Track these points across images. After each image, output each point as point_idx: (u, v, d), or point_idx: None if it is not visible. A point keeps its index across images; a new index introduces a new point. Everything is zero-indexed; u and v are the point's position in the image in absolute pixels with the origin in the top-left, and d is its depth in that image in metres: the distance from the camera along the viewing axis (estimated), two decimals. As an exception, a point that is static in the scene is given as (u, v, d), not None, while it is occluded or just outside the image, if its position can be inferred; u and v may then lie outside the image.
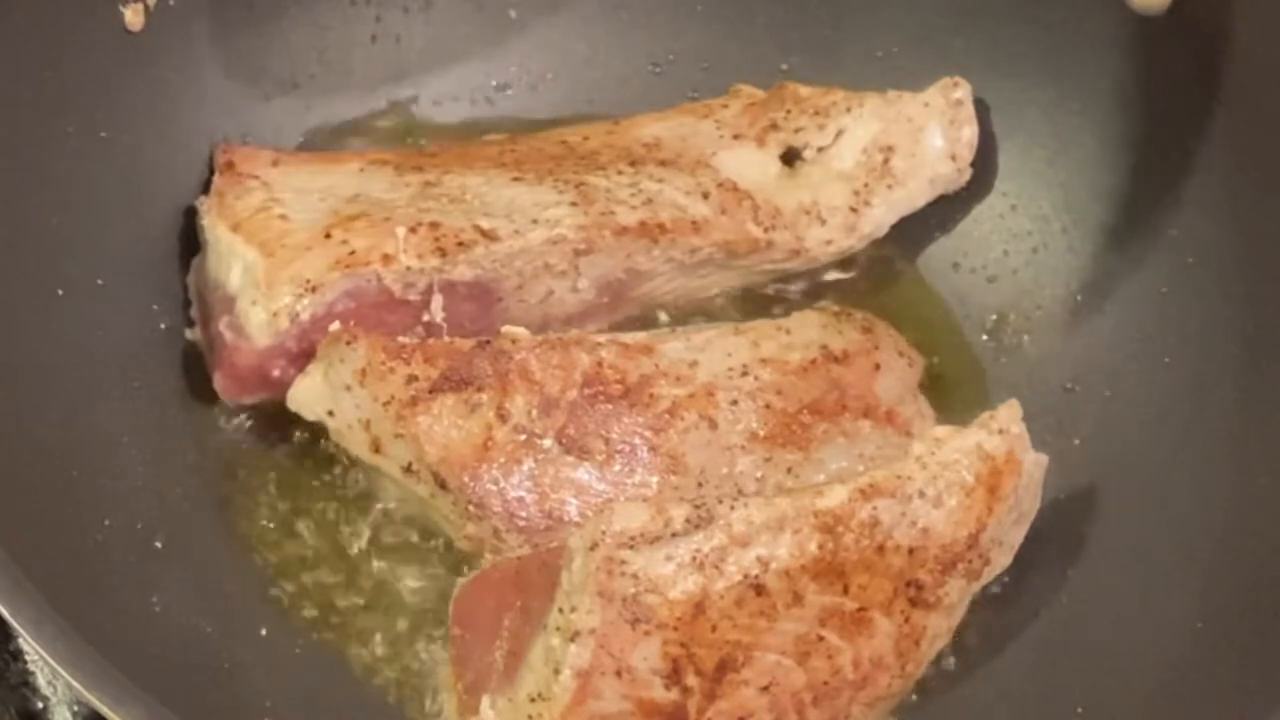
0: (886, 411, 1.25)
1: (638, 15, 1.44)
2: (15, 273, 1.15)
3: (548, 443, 1.18)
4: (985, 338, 1.36)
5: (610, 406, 1.19)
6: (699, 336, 1.24)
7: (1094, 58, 1.32)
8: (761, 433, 1.21)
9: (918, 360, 1.31)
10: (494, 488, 1.16)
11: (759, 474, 1.20)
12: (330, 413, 1.19)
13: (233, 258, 1.20)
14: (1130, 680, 1.14)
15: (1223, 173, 1.26)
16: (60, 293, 1.18)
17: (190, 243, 1.28)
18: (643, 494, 1.18)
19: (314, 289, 1.19)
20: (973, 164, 1.36)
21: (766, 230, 1.30)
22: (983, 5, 1.36)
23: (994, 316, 1.36)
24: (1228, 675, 1.10)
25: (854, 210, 1.33)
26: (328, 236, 1.20)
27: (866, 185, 1.33)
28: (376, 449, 1.19)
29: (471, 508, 1.17)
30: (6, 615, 0.99)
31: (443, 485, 1.17)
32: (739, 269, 1.33)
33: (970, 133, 1.35)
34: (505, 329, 1.22)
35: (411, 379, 1.17)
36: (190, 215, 1.28)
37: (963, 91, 1.35)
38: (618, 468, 1.18)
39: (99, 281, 1.21)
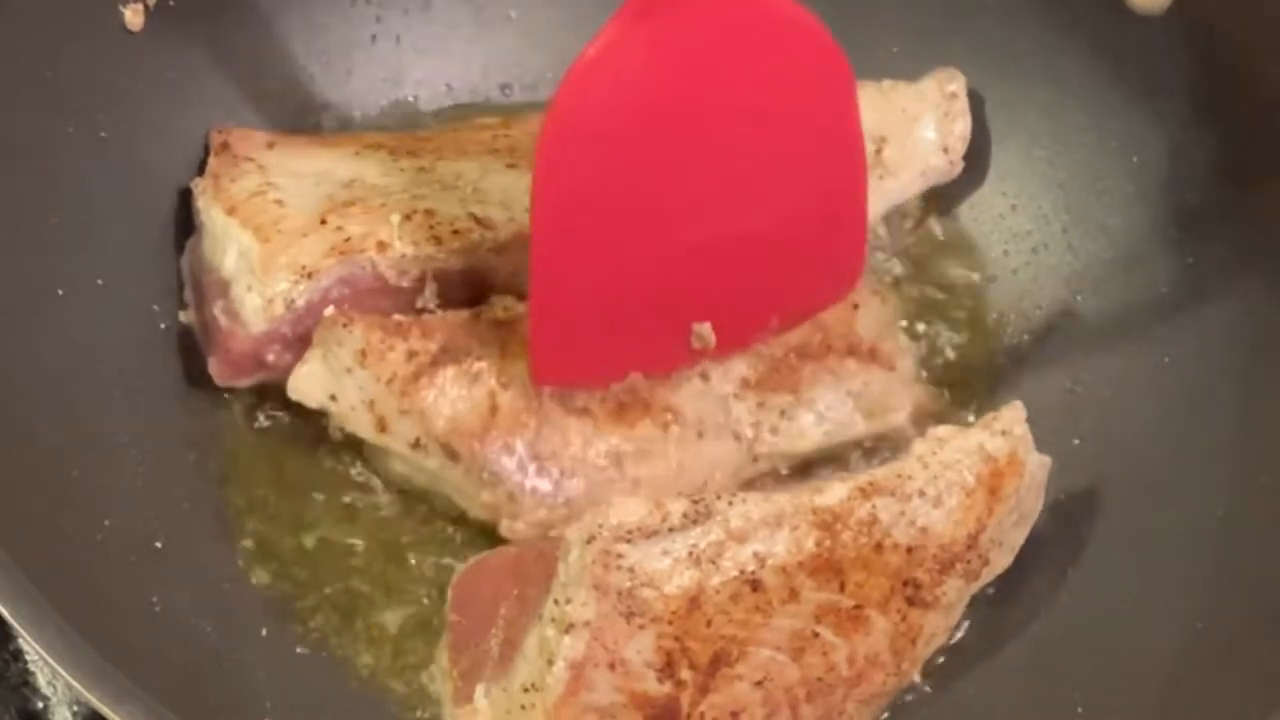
0: (869, 349, 1.27)
1: (638, 15, 1.44)
2: (15, 273, 1.15)
3: (551, 405, 1.19)
4: (985, 338, 1.36)
5: None
6: None
7: (1094, 58, 1.32)
8: (753, 378, 1.23)
9: (890, 298, 1.33)
10: (504, 451, 1.18)
11: (754, 419, 1.22)
12: (333, 397, 1.19)
13: (228, 241, 1.21)
14: (1130, 680, 1.14)
15: (1223, 173, 1.26)
16: (60, 293, 1.18)
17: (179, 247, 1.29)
18: (645, 447, 1.19)
19: (309, 275, 1.19)
20: (966, 157, 1.36)
21: None
22: (983, 5, 1.36)
23: (994, 316, 1.36)
24: (1228, 675, 1.10)
25: None
26: (323, 223, 1.21)
27: None
28: (382, 428, 1.19)
29: (485, 475, 1.18)
30: (6, 615, 0.99)
31: (453, 456, 1.18)
32: None
33: (964, 126, 1.35)
34: (495, 297, 1.23)
35: (411, 355, 1.18)
36: (178, 226, 1.29)
37: (958, 84, 1.35)
38: (618, 423, 1.20)
39: (99, 281, 1.21)
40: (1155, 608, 1.17)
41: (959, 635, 1.21)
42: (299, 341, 1.21)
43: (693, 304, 1.19)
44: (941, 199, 1.38)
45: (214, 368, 1.23)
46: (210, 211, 1.23)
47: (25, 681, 1.21)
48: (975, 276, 1.38)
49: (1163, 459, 1.24)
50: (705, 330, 1.21)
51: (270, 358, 1.21)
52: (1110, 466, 1.26)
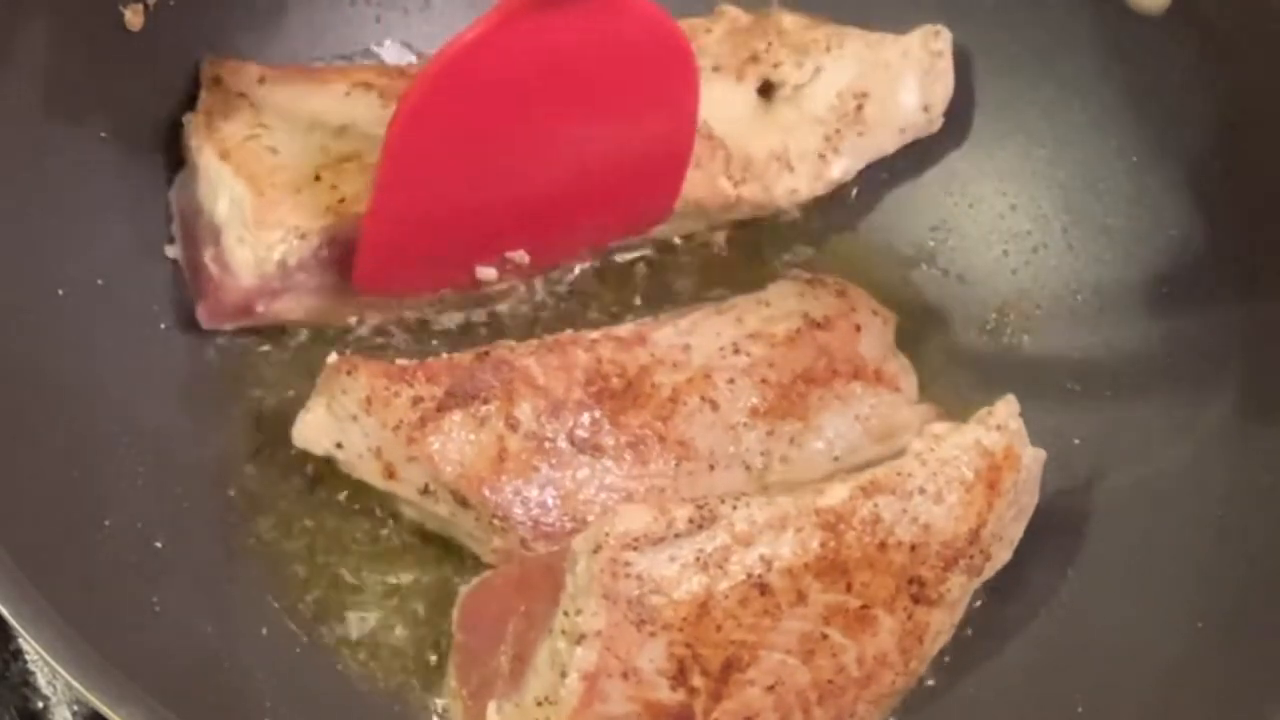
0: (875, 371, 1.26)
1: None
2: (15, 272, 1.15)
3: (561, 445, 1.18)
4: (985, 338, 1.36)
5: (615, 402, 1.20)
6: (684, 321, 1.26)
7: (1094, 58, 1.32)
8: (762, 407, 1.22)
9: (890, 316, 1.32)
10: (515, 497, 1.16)
11: (764, 448, 1.21)
12: (339, 445, 1.18)
13: (220, 187, 1.21)
14: (1130, 679, 1.14)
15: (1223, 172, 1.26)
16: (60, 293, 1.18)
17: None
18: (659, 484, 1.18)
19: (302, 235, 1.20)
20: (951, 119, 1.36)
21: (736, 185, 1.31)
22: (981, 5, 1.36)
23: (994, 316, 1.36)
24: (1227, 675, 1.10)
25: (822, 157, 1.33)
26: (317, 179, 1.21)
27: (838, 131, 1.33)
28: (390, 475, 1.18)
29: (495, 521, 1.16)
30: (6, 615, 0.99)
31: (463, 503, 1.17)
32: (706, 217, 1.34)
33: (946, 86, 1.35)
34: (500, 341, 1.23)
35: (417, 400, 1.17)
36: (168, 157, 1.29)
37: (943, 42, 1.34)
38: (632, 461, 1.19)
39: (99, 281, 1.22)
40: (1156, 607, 1.17)
41: (963, 633, 1.21)
42: (286, 292, 1.23)
43: (513, 234, 1.26)
44: (942, 200, 1.39)
45: (201, 313, 1.24)
46: (202, 153, 1.23)
47: (25, 681, 1.21)
48: (961, 285, 1.38)
49: (1163, 459, 1.24)
50: (518, 256, 1.26)
51: (259, 308, 1.23)
52: (1110, 466, 1.26)
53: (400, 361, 1.20)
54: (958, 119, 1.38)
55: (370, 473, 1.19)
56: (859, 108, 1.33)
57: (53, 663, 0.98)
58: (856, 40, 1.34)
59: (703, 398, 1.21)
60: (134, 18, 1.25)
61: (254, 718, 1.11)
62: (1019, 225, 1.37)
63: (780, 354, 1.24)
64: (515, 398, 1.18)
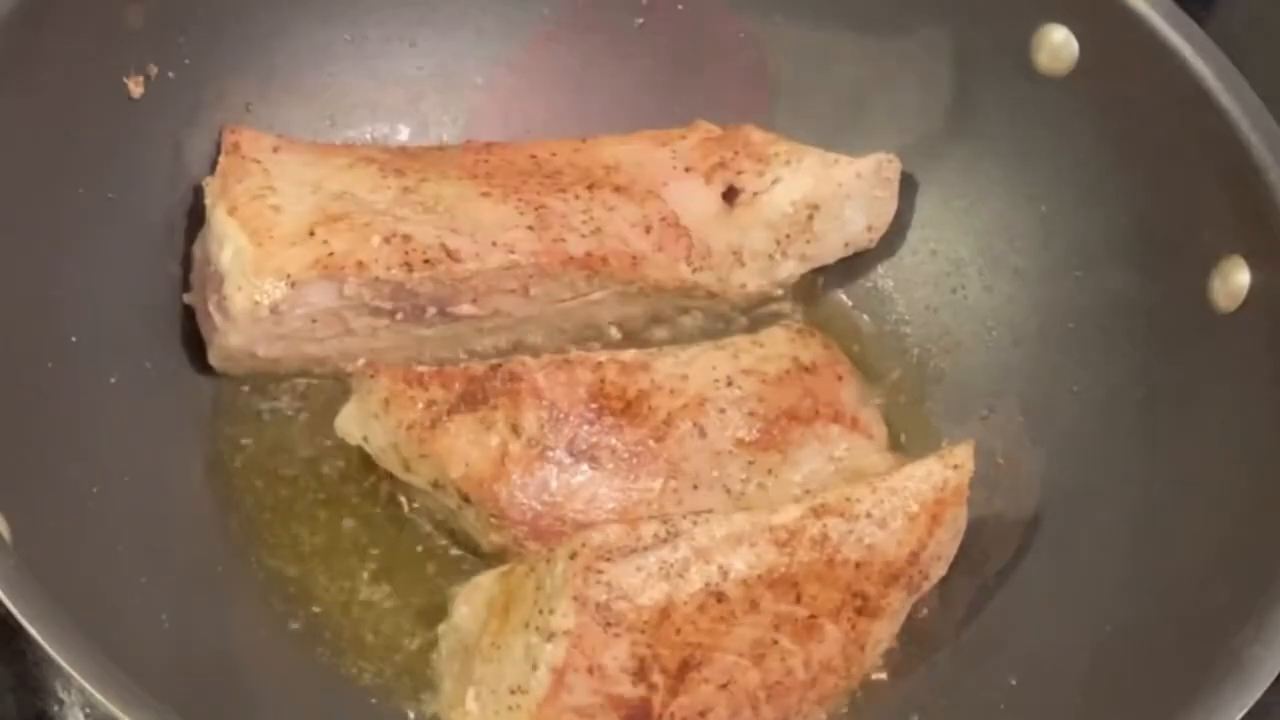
0: (852, 418, 1.32)
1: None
2: (14, 274, 1.15)
3: (560, 454, 1.24)
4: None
5: (614, 419, 1.26)
6: (685, 353, 1.32)
7: (1007, 117, 1.40)
8: (747, 438, 1.28)
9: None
10: (513, 498, 1.23)
11: (744, 475, 1.28)
12: (366, 438, 1.25)
13: (226, 240, 1.26)
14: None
15: (1123, 218, 1.33)
16: (60, 293, 1.18)
17: (190, 237, 1.31)
18: (646, 497, 1.25)
19: (293, 285, 1.25)
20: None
21: (695, 271, 1.38)
22: (904, 73, 1.43)
23: (916, 352, 1.44)
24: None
25: (771, 258, 1.41)
26: (311, 234, 1.26)
27: (788, 237, 1.41)
28: (407, 468, 1.25)
29: (493, 519, 1.23)
30: (7, 616, 0.98)
31: (466, 499, 1.23)
32: (666, 299, 1.40)
33: (890, 210, 1.43)
34: (513, 357, 1.30)
35: (430, 404, 1.23)
36: (190, 217, 1.31)
37: (893, 171, 1.42)
38: (623, 474, 1.25)
39: (99, 282, 1.22)
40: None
41: (965, 633, 1.26)
42: (282, 340, 1.27)
43: None
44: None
45: (210, 355, 1.28)
46: (214, 209, 1.27)
47: (25, 682, 1.19)
48: (888, 323, 1.45)
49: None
50: None
51: (260, 352, 1.28)
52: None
53: (419, 368, 1.24)
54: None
55: (392, 464, 1.26)
56: (809, 218, 1.41)
57: (57, 660, 0.97)
58: (813, 157, 1.41)
59: (694, 423, 1.28)
60: (135, 88, 1.27)
61: (254, 718, 1.12)
62: (939, 268, 1.45)
63: (769, 391, 1.31)
64: (521, 407, 1.24)
